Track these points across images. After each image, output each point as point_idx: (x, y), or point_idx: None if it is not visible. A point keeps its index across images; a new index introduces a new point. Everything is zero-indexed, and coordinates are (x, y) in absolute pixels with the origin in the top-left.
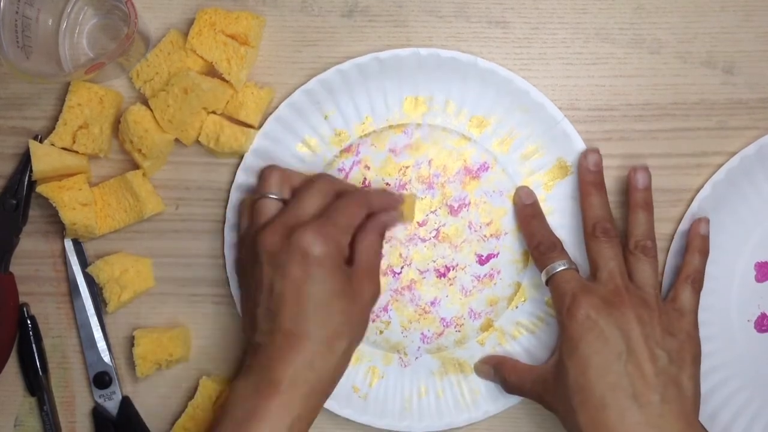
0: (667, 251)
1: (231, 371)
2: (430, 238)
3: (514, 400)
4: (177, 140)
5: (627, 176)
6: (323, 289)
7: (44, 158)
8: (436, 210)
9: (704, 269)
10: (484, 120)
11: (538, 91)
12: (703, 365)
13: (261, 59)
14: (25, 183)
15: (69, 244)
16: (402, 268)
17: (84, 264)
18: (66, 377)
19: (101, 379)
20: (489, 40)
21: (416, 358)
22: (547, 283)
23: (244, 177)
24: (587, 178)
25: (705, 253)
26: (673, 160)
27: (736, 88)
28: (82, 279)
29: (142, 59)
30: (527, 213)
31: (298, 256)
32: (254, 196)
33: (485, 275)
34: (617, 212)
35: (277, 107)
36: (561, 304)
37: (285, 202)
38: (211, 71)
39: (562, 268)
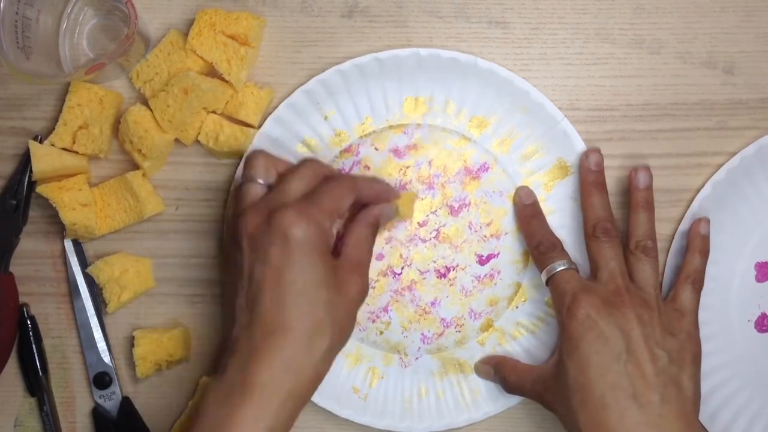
0: (668, 251)
1: None
2: (430, 239)
3: (514, 400)
4: (177, 140)
5: (628, 176)
6: (305, 275)
7: (44, 159)
8: (436, 210)
9: (705, 269)
10: (484, 120)
11: (538, 91)
12: (703, 365)
13: (261, 59)
14: (25, 183)
15: (69, 245)
16: (402, 268)
17: (84, 264)
18: (66, 378)
19: (101, 380)
20: (489, 41)
21: (416, 358)
22: (547, 283)
23: None
24: (588, 178)
25: (705, 253)
26: (673, 160)
27: (736, 88)
28: (82, 279)
29: (142, 60)
30: (527, 213)
31: (279, 238)
32: (239, 181)
33: (485, 275)
34: (617, 212)
35: (276, 107)
36: (561, 304)
37: (269, 188)
38: (211, 71)
39: (562, 268)
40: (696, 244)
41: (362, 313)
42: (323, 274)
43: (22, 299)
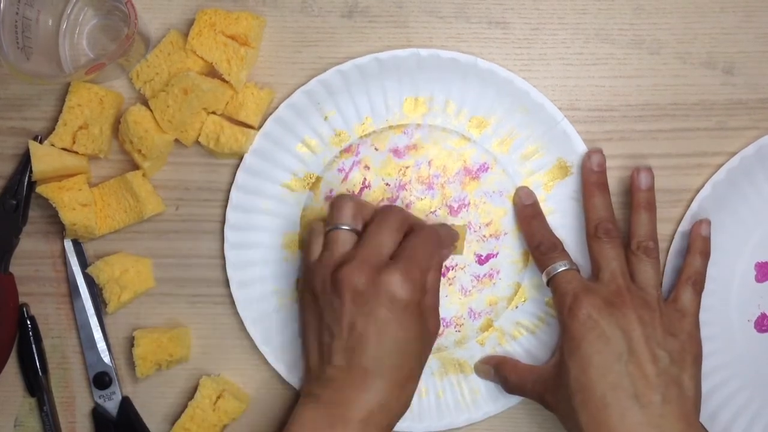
0: (667, 252)
1: (231, 371)
2: None
3: (514, 400)
4: (177, 141)
5: (630, 177)
6: (406, 333)
7: (44, 159)
8: (436, 210)
9: (705, 270)
10: (484, 120)
11: (538, 91)
12: (704, 365)
13: (261, 60)
14: (25, 183)
15: (69, 245)
16: None
17: (84, 264)
18: (66, 378)
19: (101, 380)
20: (489, 41)
21: None
22: (548, 283)
23: (244, 177)
24: (590, 178)
25: (706, 255)
26: (673, 161)
27: (735, 88)
28: (82, 279)
29: (142, 60)
30: (527, 213)
31: (386, 299)
32: (327, 226)
33: (485, 275)
34: (619, 213)
35: (277, 108)
36: (562, 304)
37: (357, 233)
38: (211, 72)
39: (564, 268)
40: (697, 245)
41: None
42: (420, 330)
43: (22, 299)
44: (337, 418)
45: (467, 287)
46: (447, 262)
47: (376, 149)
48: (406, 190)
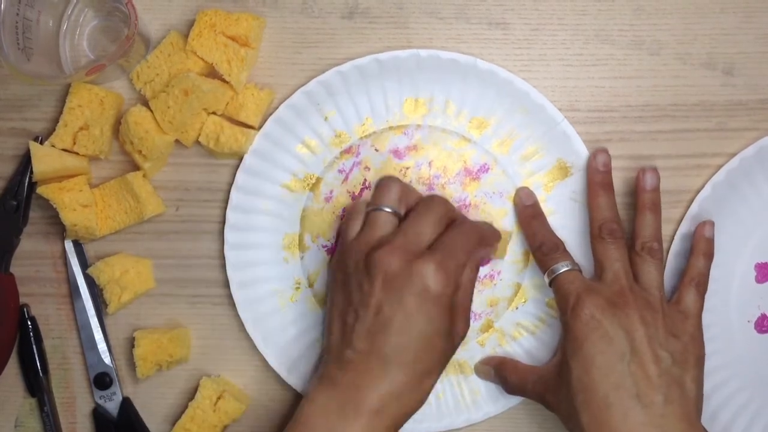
0: (667, 252)
1: (231, 372)
2: None
3: (514, 400)
4: (177, 141)
5: (635, 177)
6: (432, 326)
7: (45, 159)
8: None
9: (709, 272)
10: (484, 121)
11: (538, 92)
12: (704, 366)
13: (261, 60)
14: (26, 184)
15: (69, 246)
16: None
17: (84, 265)
18: (66, 378)
19: (102, 380)
20: (489, 42)
21: None
22: (550, 284)
23: (244, 178)
24: (595, 178)
25: (710, 256)
26: (672, 162)
27: (735, 89)
28: (83, 280)
29: (142, 61)
30: (528, 214)
31: (418, 288)
32: (369, 206)
33: (485, 276)
34: (622, 213)
35: (277, 108)
36: (565, 305)
37: (399, 218)
38: (212, 72)
39: (566, 269)
40: (700, 246)
41: None
42: (445, 327)
43: (22, 300)
44: (350, 405)
45: None
46: None
47: (376, 150)
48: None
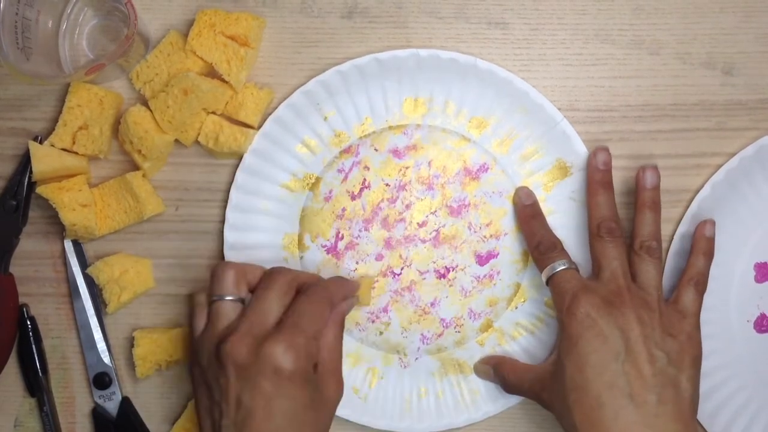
0: (667, 252)
1: None
2: (429, 239)
3: (514, 400)
4: (177, 141)
5: (635, 175)
6: (294, 404)
7: (44, 159)
8: (435, 211)
9: (708, 272)
10: (484, 121)
11: (537, 92)
12: (703, 365)
13: (261, 60)
14: (25, 184)
15: (69, 245)
16: (402, 269)
17: (84, 265)
18: (66, 378)
19: (101, 380)
20: (488, 41)
21: (416, 358)
22: (547, 283)
23: (244, 178)
24: (595, 176)
25: (710, 256)
26: (672, 161)
27: (735, 89)
28: (82, 280)
29: (141, 60)
30: (527, 213)
31: (269, 371)
32: (210, 297)
33: (485, 276)
34: (621, 212)
35: (276, 108)
36: (561, 303)
37: (242, 301)
38: (211, 72)
39: (563, 267)
40: (701, 246)
41: (362, 314)
42: (309, 398)
43: (22, 300)
44: None
45: (467, 288)
46: (447, 263)
47: (375, 150)
48: (406, 190)
